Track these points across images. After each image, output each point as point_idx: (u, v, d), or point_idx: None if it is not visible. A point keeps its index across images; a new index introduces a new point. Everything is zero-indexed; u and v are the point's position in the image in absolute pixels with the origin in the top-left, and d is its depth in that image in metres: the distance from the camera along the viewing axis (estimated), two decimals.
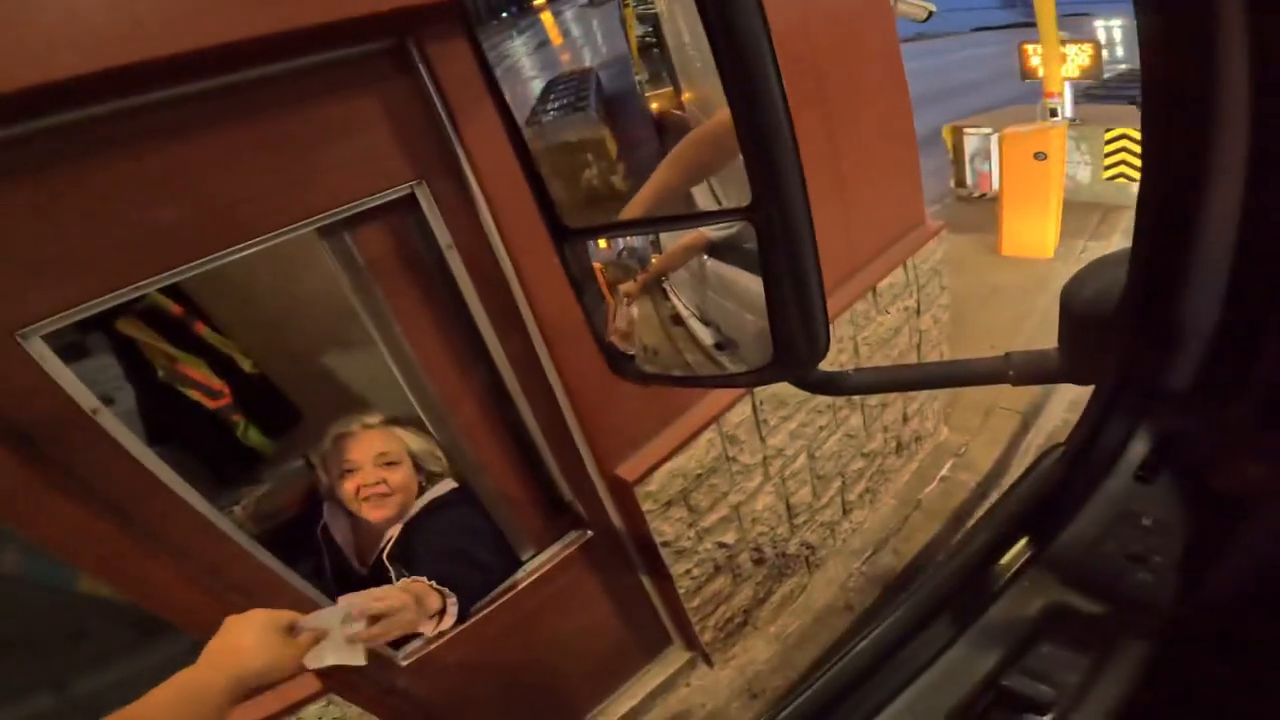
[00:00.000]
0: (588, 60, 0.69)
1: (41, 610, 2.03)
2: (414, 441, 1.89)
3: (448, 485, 2.03)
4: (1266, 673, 0.49)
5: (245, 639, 1.08)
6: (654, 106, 0.64)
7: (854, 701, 0.55)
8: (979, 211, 7.32)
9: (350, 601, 1.32)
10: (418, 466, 1.90)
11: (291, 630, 1.14)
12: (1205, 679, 0.52)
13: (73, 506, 1.38)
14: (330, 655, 1.21)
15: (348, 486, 1.81)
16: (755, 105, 0.46)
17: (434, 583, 1.62)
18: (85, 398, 1.37)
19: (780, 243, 0.52)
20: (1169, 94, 0.44)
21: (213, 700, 0.99)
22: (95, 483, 1.42)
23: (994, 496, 3.84)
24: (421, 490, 1.94)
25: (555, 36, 0.67)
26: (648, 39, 0.63)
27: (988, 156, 7.40)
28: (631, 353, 0.81)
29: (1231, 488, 0.53)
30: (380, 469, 1.82)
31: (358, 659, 1.24)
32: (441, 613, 1.62)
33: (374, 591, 1.40)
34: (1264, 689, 0.49)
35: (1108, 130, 6.70)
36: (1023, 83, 7.68)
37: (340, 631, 1.24)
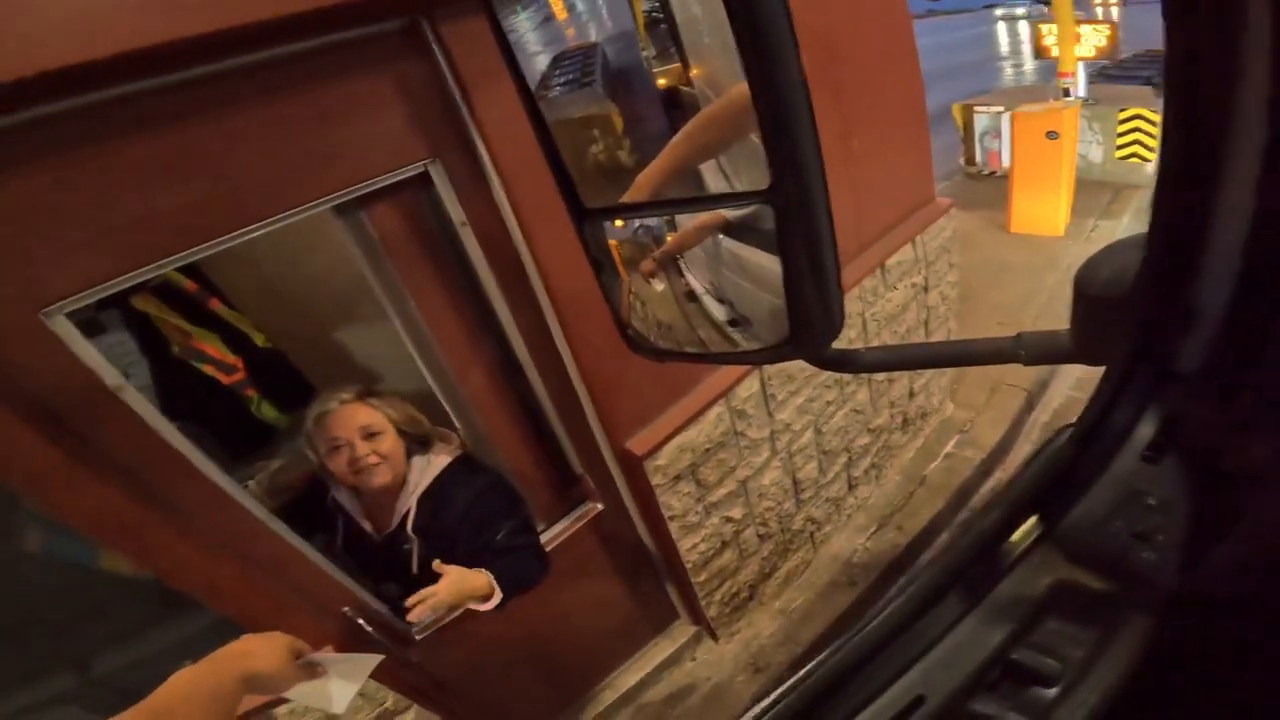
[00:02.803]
0: (593, 35, 0.69)
1: (62, 589, 2.06)
2: (391, 409, 1.92)
3: (448, 450, 2.05)
4: (1262, 649, 0.51)
5: (260, 647, 1.16)
6: (661, 82, 0.64)
7: (868, 673, 0.57)
8: (988, 189, 7.27)
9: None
10: (401, 432, 1.93)
11: (298, 658, 1.22)
12: (1204, 655, 0.54)
13: (99, 484, 1.41)
14: (314, 697, 1.26)
15: (338, 463, 1.84)
16: (776, 89, 0.46)
17: (491, 575, 1.79)
18: (109, 374, 1.39)
19: (798, 224, 0.53)
20: (1191, 80, 0.44)
21: (226, 696, 1.05)
22: (120, 459, 1.45)
23: (998, 474, 3.86)
24: (410, 452, 1.97)
25: (560, 11, 0.66)
26: (655, 14, 0.63)
27: (998, 134, 7.33)
28: (647, 329, 0.82)
29: (1236, 469, 0.54)
30: (366, 441, 1.84)
31: (337, 709, 1.29)
32: (487, 597, 1.78)
33: (425, 593, 1.65)
34: (1259, 664, 0.51)
35: (1121, 110, 6.62)
36: (1036, 61, 7.60)
37: (334, 678, 1.29)
